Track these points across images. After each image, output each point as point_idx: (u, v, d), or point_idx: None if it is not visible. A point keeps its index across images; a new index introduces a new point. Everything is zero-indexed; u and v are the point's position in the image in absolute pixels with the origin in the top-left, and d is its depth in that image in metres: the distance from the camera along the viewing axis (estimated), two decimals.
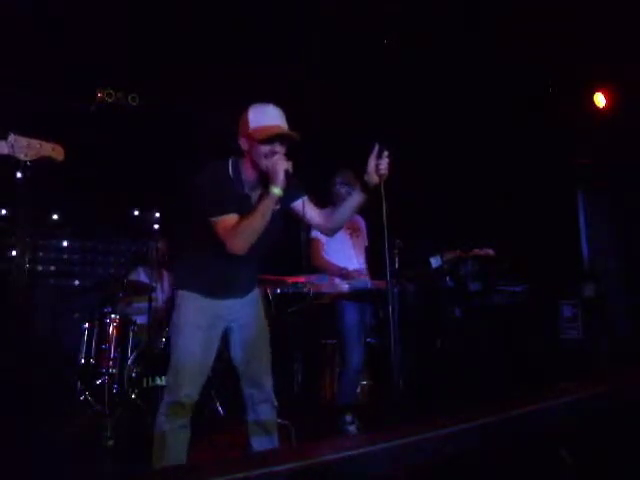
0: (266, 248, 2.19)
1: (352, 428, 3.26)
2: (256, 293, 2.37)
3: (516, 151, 4.91)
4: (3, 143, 1.75)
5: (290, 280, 3.67)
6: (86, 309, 4.15)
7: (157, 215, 5.45)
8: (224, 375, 3.25)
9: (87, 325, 3.92)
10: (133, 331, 3.93)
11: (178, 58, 4.52)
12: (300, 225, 2.30)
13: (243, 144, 2.11)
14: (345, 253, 3.54)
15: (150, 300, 3.84)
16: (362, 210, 2.29)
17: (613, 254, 4.98)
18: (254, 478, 0.82)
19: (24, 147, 1.77)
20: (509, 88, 4.76)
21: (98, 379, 3.73)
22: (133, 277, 4.29)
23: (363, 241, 3.70)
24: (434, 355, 3.97)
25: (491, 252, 3.88)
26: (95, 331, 3.88)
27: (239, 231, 2.00)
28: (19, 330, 4.76)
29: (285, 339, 4.09)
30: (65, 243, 5.45)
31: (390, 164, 2.11)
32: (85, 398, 3.66)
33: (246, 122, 2.09)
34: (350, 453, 0.91)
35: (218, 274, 2.18)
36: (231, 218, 2.03)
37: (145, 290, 3.96)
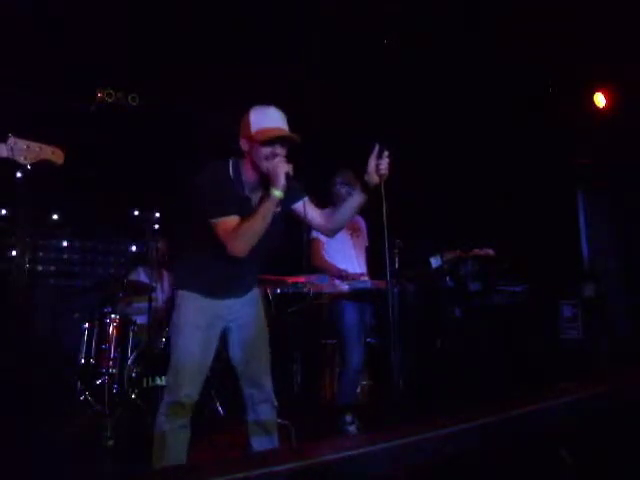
0: (267, 250, 2.20)
1: (352, 428, 3.26)
2: (256, 292, 2.38)
3: (516, 151, 4.91)
4: (3, 146, 1.74)
5: (290, 280, 3.68)
6: (86, 309, 4.15)
7: (157, 215, 5.45)
8: (224, 375, 3.25)
9: (87, 325, 3.92)
10: (133, 331, 3.93)
11: (178, 58, 4.52)
12: (301, 225, 2.29)
13: (244, 145, 2.11)
14: (345, 253, 3.54)
15: (150, 300, 3.84)
16: (362, 210, 2.29)
17: (613, 254, 4.98)
18: (254, 478, 0.82)
19: (24, 150, 1.77)
20: (509, 88, 4.77)
21: (98, 379, 3.73)
22: (133, 277, 4.29)
23: (363, 241, 3.70)
24: (434, 355, 3.98)
25: (491, 252, 3.88)
26: (95, 331, 3.88)
27: (240, 233, 2.01)
28: (19, 330, 4.76)
29: (285, 339, 4.09)
30: (65, 243, 5.44)
31: (390, 164, 2.11)
32: (85, 398, 3.65)
33: (247, 124, 2.10)
34: (350, 453, 0.91)
35: (218, 274, 2.18)
36: (232, 220, 2.03)
37: (145, 290, 3.96)
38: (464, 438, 1.00)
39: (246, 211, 2.06)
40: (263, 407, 2.26)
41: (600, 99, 4.78)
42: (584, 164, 4.95)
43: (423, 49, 4.58)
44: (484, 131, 4.97)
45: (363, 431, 3.34)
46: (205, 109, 5.05)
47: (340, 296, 3.40)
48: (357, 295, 3.38)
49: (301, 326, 4.10)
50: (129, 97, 5.07)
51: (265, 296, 3.65)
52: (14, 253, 5.02)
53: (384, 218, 2.07)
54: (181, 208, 2.51)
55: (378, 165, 2.10)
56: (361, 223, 3.71)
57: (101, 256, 5.61)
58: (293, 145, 2.11)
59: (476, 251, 3.88)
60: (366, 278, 3.54)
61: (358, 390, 3.73)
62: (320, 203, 2.38)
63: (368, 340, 3.78)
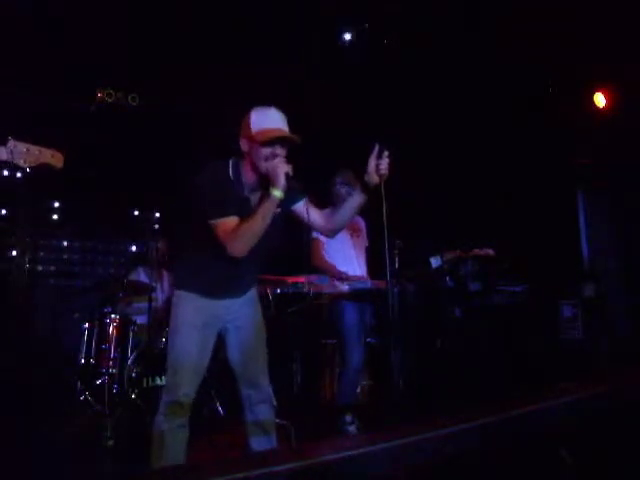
0: (266, 250, 2.19)
1: (352, 428, 3.26)
2: (254, 293, 2.37)
3: (516, 151, 4.91)
4: (2, 149, 1.74)
5: (290, 280, 3.67)
6: (86, 309, 4.15)
7: (157, 215, 5.45)
8: (224, 375, 3.25)
9: (87, 325, 3.92)
10: (133, 331, 3.93)
11: (178, 58, 4.52)
12: (301, 226, 2.29)
13: (244, 145, 2.11)
14: (345, 253, 3.54)
15: (150, 300, 3.84)
16: (362, 210, 2.29)
17: (613, 254, 4.98)
18: (254, 478, 0.82)
19: (23, 153, 1.77)
20: (509, 88, 4.77)
21: (98, 379, 3.73)
22: (133, 277, 4.29)
23: (363, 241, 3.70)
24: (434, 355, 3.97)
25: (491, 252, 3.88)
26: (95, 331, 3.88)
27: (239, 234, 2.01)
28: (19, 330, 4.76)
29: (285, 339, 4.09)
30: (65, 243, 5.45)
31: (390, 164, 2.11)
32: (85, 398, 3.65)
33: (248, 124, 2.10)
34: (350, 453, 0.91)
35: (218, 275, 2.18)
36: (231, 220, 2.03)
37: (145, 290, 3.96)
38: (464, 438, 1.00)
39: (245, 212, 2.06)
40: (261, 407, 2.25)
41: (600, 99, 4.79)
42: (584, 164, 4.95)
43: (423, 49, 4.58)
44: (484, 131, 4.97)
45: (363, 431, 3.34)
46: (205, 109, 5.05)
47: (340, 296, 3.40)
48: (357, 295, 3.38)
49: (301, 326, 4.10)
50: (129, 97, 5.08)
51: (265, 296, 3.65)
52: (14, 253, 5.02)
53: (384, 218, 2.07)
54: (181, 208, 2.51)
55: (378, 165, 2.10)
56: (361, 223, 3.71)
57: (101, 256, 5.61)
58: (293, 146, 2.11)
59: (476, 251, 3.87)
60: (366, 279, 3.54)
61: (358, 390, 3.73)
62: (320, 203, 2.38)
63: (368, 340, 3.78)
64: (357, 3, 4.35)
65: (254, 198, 2.15)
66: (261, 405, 2.26)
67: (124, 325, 3.92)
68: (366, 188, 2.14)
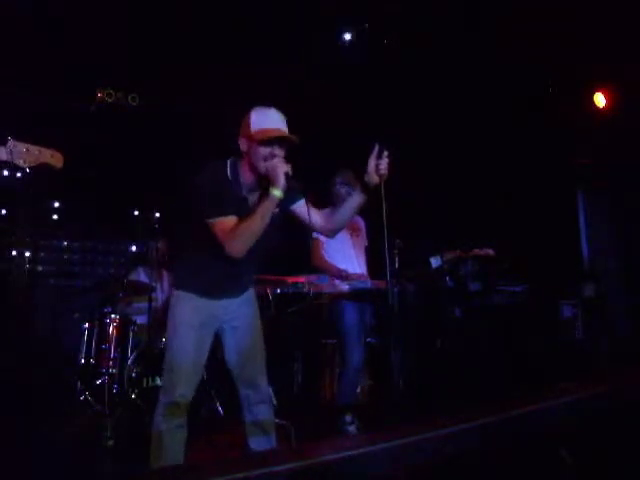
0: (264, 250, 2.19)
1: (352, 428, 3.26)
2: (251, 292, 2.37)
3: (516, 151, 4.91)
4: (2, 149, 1.74)
5: (290, 280, 3.67)
6: (86, 309, 4.14)
7: (157, 215, 5.45)
8: (223, 375, 3.25)
9: (87, 325, 3.92)
10: (133, 331, 3.92)
11: (178, 58, 4.52)
12: (301, 226, 2.29)
13: (242, 145, 2.11)
14: (345, 253, 3.54)
15: (150, 300, 3.84)
16: (362, 210, 2.29)
17: (613, 254, 4.99)
18: (254, 478, 0.82)
19: (23, 153, 1.77)
20: (509, 88, 4.77)
21: (98, 379, 3.72)
22: (133, 277, 4.29)
23: (363, 241, 3.70)
24: (434, 355, 3.97)
25: (491, 252, 3.87)
26: (95, 331, 3.88)
27: (238, 233, 2.00)
28: (19, 330, 4.76)
29: (285, 339, 4.09)
30: (65, 243, 5.45)
31: (390, 164, 2.11)
32: (85, 398, 3.65)
33: (247, 124, 2.10)
34: (350, 453, 0.91)
35: (217, 275, 2.18)
36: (229, 220, 2.03)
37: (145, 290, 3.96)
38: (464, 438, 1.00)
39: (243, 211, 2.06)
40: (260, 407, 2.25)
41: (600, 99, 4.79)
42: (584, 164, 4.96)
43: (423, 49, 4.58)
44: (484, 131, 4.97)
45: (363, 431, 3.34)
46: (205, 109, 5.05)
47: (340, 296, 3.40)
48: (357, 295, 3.38)
49: (301, 326, 4.10)
50: (129, 97, 5.08)
51: (265, 296, 3.65)
52: (14, 253, 5.02)
53: (384, 218, 2.07)
54: (181, 208, 2.51)
55: (378, 165, 2.10)
56: (360, 223, 3.71)
57: (101, 256, 5.61)
58: (292, 147, 2.11)
59: (476, 251, 3.87)
60: (366, 279, 3.54)
61: (358, 390, 3.73)
62: (320, 203, 2.38)
63: (368, 340, 3.78)
64: (357, 3, 4.35)
65: (252, 198, 2.15)
66: (260, 405, 2.25)
67: (124, 325, 3.92)
68: (366, 188, 2.14)
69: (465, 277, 3.89)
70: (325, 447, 1.01)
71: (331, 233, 2.36)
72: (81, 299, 4.63)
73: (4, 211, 5.12)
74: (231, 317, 2.26)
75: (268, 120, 2.09)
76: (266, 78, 4.50)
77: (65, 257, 5.44)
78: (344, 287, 3.37)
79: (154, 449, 2.09)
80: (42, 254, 5.34)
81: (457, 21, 4.39)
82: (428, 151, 5.12)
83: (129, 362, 3.62)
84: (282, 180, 1.99)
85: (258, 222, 2.00)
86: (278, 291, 3.69)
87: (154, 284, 3.99)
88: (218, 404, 3.52)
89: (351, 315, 3.37)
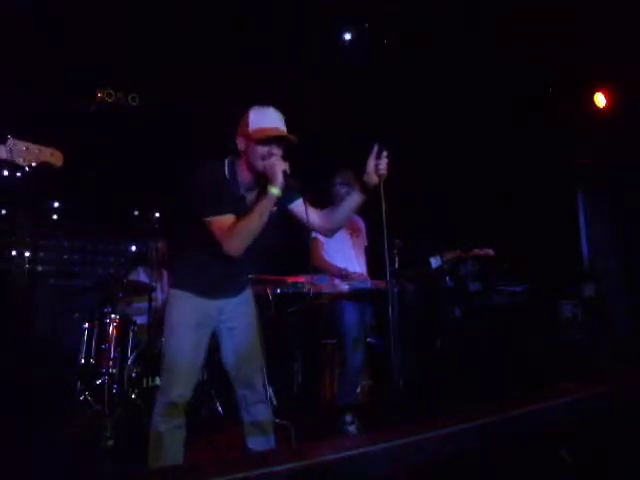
0: (263, 249, 2.19)
1: (352, 428, 3.26)
2: (249, 292, 2.37)
3: (516, 151, 4.91)
4: (2, 147, 1.74)
5: (290, 280, 3.67)
6: (86, 309, 4.14)
7: (157, 215, 5.45)
8: (223, 375, 3.25)
9: (87, 325, 3.91)
10: (133, 331, 3.92)
11: (178, 58, 4.52)
12: (299, 225, 2.29)
13: (240, 144, 2.11)
14: (345, 253, 3.54)
15: (150, 300, 3.84)
16: (362, 210, 2.29)
17: (613, 254, 4.99)
18: (254, 478, 0.82)
19: (23, 152, 1.76)
20: (509, 88, 4.76)
21: (98, 379, 3.72)
22: (133, 277, 4.29)
23: (363, 241, 3.70)
24: (434, 355, 3.97)
25: (491, 252, 3.87)
26: (95, 331, 3.88)
27: (235, 232, 2.00)
28: (19, 330, 4.76)
29: (285, 339, 4.09)
30: (65, 243, 5.45)
31: (389, 164, 2.10)
32: (85, 398, 3.65)
33: (246, 123, 2.10)
34: (350, 453, 0.91)
35: (215, 274, 2.18)
36: (227, 219, 2.03)
37: (145, 290, 3.96)
38: (464, 438, 1.00)
39: (241, 210, 2.06)
40: (258, 407, 2.25)
41: (600, 99, 4.79)
42: (584, 164, 4.95)
43: (423, 49, 4.58)
44: (484, 131, 4.97)
45: (363, 431, 3.34)
46: (205, 109, 5.05)
47: (340, 296, 3.40)
48: (357, 295, 3.38)
49: (301, 326, 4.10)
50: (129, 97, 5.07)
51: (265, 296, 3.65)
52: (14, 253, 5.02)
53: (383, 218, 2.07)
54: (180, 208, 2.51)
55: (377, 165, 2.10)
56: (360, 223, 3.71)
57: (101, 256, 5.61)
58: (289, 146, 2.11)
59: (476, 251, 3.87)
60: (366, 278, 3.54)
61: (358, 390, 3.73)
62: (320, 203, 2.38)
63: (368, 340, 3.78)
64: (357, 3, 4.35)
65: (250, 197, 2.15)
66: (258, 405, 2.25)
67: (124, 325, 3.92)
68: (365, 188, 2.14)
69: (465, 277, 3.89)
70: (325, 447, 1.01)
71: (329, 232, 2.36)
72: (81, 299, 4.63)
73: (4, 211, 5.12)
74: (227, 317, 2.26)
75: (266, 119, 2.09)
76: (266, 78, 4.50)
77: (65, 257, 5.44)
78: (344, 287, 3.37)
79: (153, 449, 2.09)
80: (42, 254, 5.34)
81: (457, 21, 4.39)
82: (428, 151, 5.12)
83: (129, 362, 3.63)
84: (280, 178, 1.99)
85: (256, 220, 2.00)
86: (278, 291, 3.69)
87: (154, 284, 3.99)
88: (218, 404, 3.52)
89: (351, 315, 3.38)
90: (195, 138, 5.04)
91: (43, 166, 1.83)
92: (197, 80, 4.78)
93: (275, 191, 2.00)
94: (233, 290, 2.28)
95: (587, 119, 4.81)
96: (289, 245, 3.13)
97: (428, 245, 4.12)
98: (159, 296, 4.23)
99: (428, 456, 0.96)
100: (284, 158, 2.07)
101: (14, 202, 5.03)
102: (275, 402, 3.66)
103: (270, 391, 3.48)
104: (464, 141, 5.05)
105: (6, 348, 4.35)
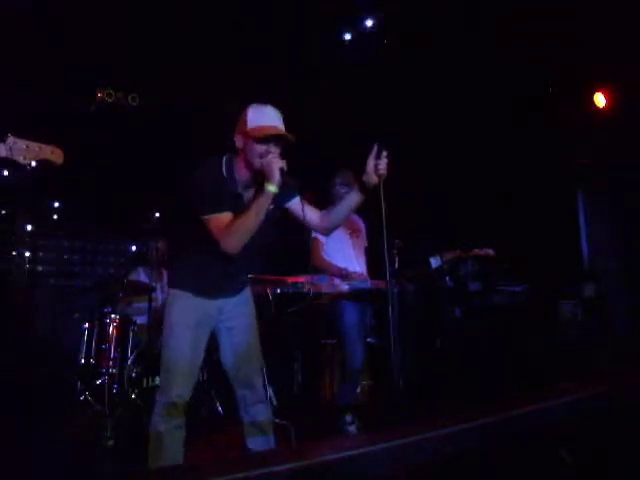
0: (260, 247, 2.19)
1: (352, 428, 3.26)
2: (248, 292, 2.37)
3: (516, 151, 4.91)
4: (2, 146, 1.73)
5: (290, 280, 3.67)
6: (86, 309, 4.14)
7: (157, 215, 5.45)
8: (223, 375, 3.25)
9: (87, 325, 3.92)
10: (133, 331, 3.92)
11: (178, 58, 4.52)
12: (297, 224, 2.28)
13: (238, 142, 2.11)
14: (345, 253, 3.54)
15: (150, 300, 3.84)
16: (362, 210, 2.29)
17: (613, 254, 4.98)
18: (254, 478, 0.82)
19: (23, 150, 1.76)
20: (509, 88, 4.76)
21: (98, 379, 3.72)
22: (133, 277, 4.29)
23: (363, 241, 3.70)
24: (434, 355, 3.97)
25: (491, 252, 3.87)
26: (95, 331, 3.88)
27: (233, 230, 2.00)
28: (19, 330, 4.76)
29: (285, 339, 4.09)
30: (65, 243, 5.45)
31: (389, 164, 2.10)
32: (85, 398, 3.65)
33: (244, 120, 2.10)
34: (350, 453, 0.91)
35: (214, 273, 2.18)
36: (224, 216, 2.03)
37: (145, 290, 3.96)
38: (464, 438, 1.00)
39: (238, 208, 2.06)
40: (258, 407, 2.25)
41: (600, 99, 4.79)
42: (584, 164, 4.95)
43: (423, 49, 4.58)
44: (484, 131, 4.97)
45: (363, 431, 3.34)
46: (205, 109, 5.05)
47: (340, 296, 3.40)
48: (357, 295, 3.38)
49: (301, 326, 4.10)
50: (129, 97, 5.08)
51: (265, 296, 3.65)
52: (14, 253, 5.02)
53: (383, 218, 2.07)
54: (179, 208, 2.51)
55: (377, 165, 2.10)
56: (360, 223, 3.71)
57: (101, 256, 5.62)
58: (287, 145, 2.11)
59: (476, 251, 3.87)
60: (366, 278, 3.54)
61: (358, 390, 3.73)
62: (320, 203, 2.38)
63: (368, 340, 3.78)
64: (357, 3, 4.35)
65: (247, 195, 2.14)
66: (257, 405, 2.25)
67: (124, 325, 3.92)
68: (365, 188, 2.14)
69: (465, 277, 3.89)
70: (325, 447, 1.01)
71: (326, 231, 2.36)
72: (81, 299, 4.63)
73: (4, 211, 5.12)
74: (226, 317, 2.26)
75: (265, 117, 2.09)
76: (266, 78, 4.50)
77: (65, 257, 5.45)
78: (344, 287, 3.37)
79: (153, 449, 2.08)
80: (42, 254, 5.34)
81: (457, 21, 4.39)
82: (428, 151, 5.12)
83: (129, 362, 3.62)
84: (277, 176, 1.99)
85: (253, 218, 2.00)
86: (278, 291, 3.69)
87: (154, 284, 3.99)
88: (218, 404, 3.52)
89: (351, 315, 3.37)
90: (195, 138, 5.04)
91: (43, 164, 1.82)
92: (197, 80, 4.78)
93: (272, 189, 2.00)
94: (232, 290, 2.27)
95: (587, 119, 4.81)
96: (289, 245, 3.13)
97: (428, 245, 4.12)
98: (159, 296, 4.23)
99: (428, 456, 0.96)
100: (282, 156, 2.07)
101: (14, 202, 5.03)
102: (275, 402, 3.67)
103: (270, 391, 3.48)
104: (464, 141, 5.05)
105: (6, 348, 4.35)
